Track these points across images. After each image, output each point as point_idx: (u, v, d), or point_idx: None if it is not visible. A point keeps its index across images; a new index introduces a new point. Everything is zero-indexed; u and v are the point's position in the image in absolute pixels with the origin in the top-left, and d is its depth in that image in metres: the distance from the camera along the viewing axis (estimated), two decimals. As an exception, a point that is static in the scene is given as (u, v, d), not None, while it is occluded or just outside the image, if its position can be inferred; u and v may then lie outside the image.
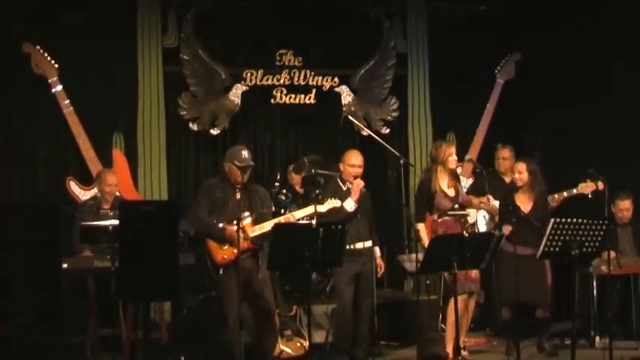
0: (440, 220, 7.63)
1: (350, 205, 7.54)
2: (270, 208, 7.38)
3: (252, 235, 6.99)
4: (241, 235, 6.80)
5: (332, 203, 7.40)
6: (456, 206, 7.63)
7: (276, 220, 7.08)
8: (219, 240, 6.96)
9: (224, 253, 6.97)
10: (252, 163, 7.18)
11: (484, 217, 8.67)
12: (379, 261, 7.91)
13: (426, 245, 7.10)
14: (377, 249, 7.90)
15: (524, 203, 7.85)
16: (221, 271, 6.96)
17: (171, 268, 5.80)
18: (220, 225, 6.94)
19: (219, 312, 7.09)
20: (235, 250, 6.88)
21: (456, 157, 7.75)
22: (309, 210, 7.34)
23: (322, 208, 7.34)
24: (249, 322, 7.31)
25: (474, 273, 7.41)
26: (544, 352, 7.92)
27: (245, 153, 7.12)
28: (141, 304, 7.02)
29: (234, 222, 6.82)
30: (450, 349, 7.45)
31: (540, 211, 7.78)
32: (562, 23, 9.85)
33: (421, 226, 7.71)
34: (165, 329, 8.11)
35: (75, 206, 8.44)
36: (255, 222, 7.06)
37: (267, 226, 6.95)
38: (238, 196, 7.13)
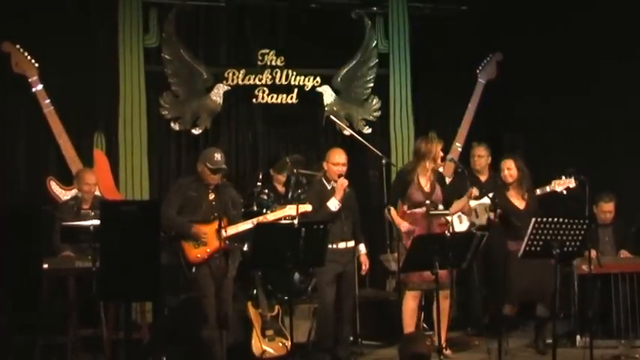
0: (409, 212, 7.67)
1: (334, 204, 7.50)
2: (240, 209, 7.45)
3: (224, 235, 7.06)
4: (215, 235, 6.95)
5: (303, 208, 7.44)
6: (428, 202, 7.63)
7: (249, 222, 7.10)
8: (185, 237, 7.02)
9: (198, 252, 7.05)
10: (224, 166, 7.26)
11: (459, 217, 8.68)
12: (363, 258, 7.87)
13: (399, 225, 7.55)
14: (362, 246, 7.87)
15: (517, 199, 7.92)
16: (194, 269, 7.01)
17: (153, 268, 5.79)
18: (189, 223, 7.01)
19: (201, 312, 7.10)
20: (209, 250, 7.03)
21: (439, 158, 7.79)
22: (282, 213, 7.41)
23: (293, 212, 7.40)
24: (232, 322, 7.32)
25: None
26: (538, 350, 7.95)
27: (218, 156, 7.19)
28: (122, 305, 7.01)
29: (210, 222, 6.98)
30: None
31: (532, 206, 7.85)
32: (543, 23, 9.89)
33: (391, 208, 7.75)
34: (147, 329, 8.09)
35: (55, 206, 8.39)
36: (229, 223, 7.13)
37: (241, 226, 7.07)
38: (211, 196, 7.23)
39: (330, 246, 7.17)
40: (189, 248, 7.03)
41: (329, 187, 7.68)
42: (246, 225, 7.10)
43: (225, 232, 7.04)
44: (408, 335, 7.64)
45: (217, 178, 7.21)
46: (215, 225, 7.08)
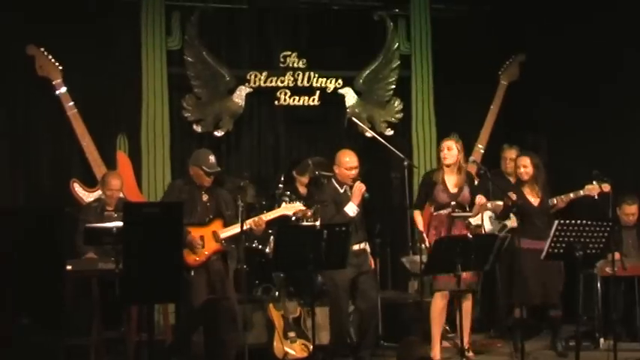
0: (435, 213, 7.63)
1: (352, 209, 7.37)
2: (234, 210, 7.37)
3: (222, 236, 7.08)
4: (212, 236, 7.01)
5: (297, 206, 7.50)
6: (453, 203, 7.56)
7: (247, 222, 7.12)
8: None
9: (195, 256, 7.03)
10: (218, 168, 7.28)
11: (490, 217, 8.64)
12: (369, 257, 7.72)
13: (420, 229, 7.52)
14: (367, 244, 7.74)
15: (532, 196, 7.91)
16: (192, 273, 7.01)
17: (176, 269, 5.81)
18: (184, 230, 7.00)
19: (224, 314, 7.12)
20: (207, 252, 7.05)
21: (446, 153, 7.65)
22: (278, 212, 7.42)
23: (289, 211, 7.42)
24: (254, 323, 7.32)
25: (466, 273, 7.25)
26: (557, 352, 7.90)
27: (212, 158, 7.21)
28: (145, 306, 7.02)
29: (206, 224, 7.05)
30: (436, 352, 7.50)
31: (545, 203, 7.86)
32: (566, 23, 9.83)
33: (416, 212, 7.70)
34: (170, 331, 8.10)
35: (79, 208, 8.43)
36: (225, 224, 7.14)
37: (237, 228, 7.04)
38: (205, 198, 7.23)
39: None
40: (187, 252, 6.95)
41: (341, 191, 7.56)
42: (237, 229, 7.06)
43: (215, 233, 7.08)
44: (406, 341, 7.63)
45: (211, 180, 7.23)
46: (211, 227, 7.11)
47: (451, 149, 7.63)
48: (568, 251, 6.56)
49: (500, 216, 8.06)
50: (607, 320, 8.19)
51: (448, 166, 7.64)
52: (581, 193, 8.07)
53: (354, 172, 7.49)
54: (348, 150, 7.74)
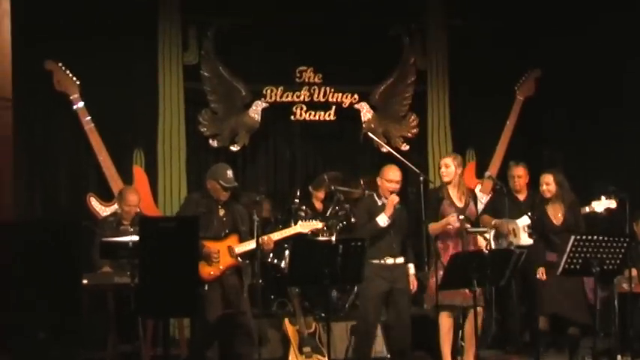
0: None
1: (383, 220, 7.42)
2: (248, 226, 7.38)
3: (237, 252, 7.09)
4: (227, 251, 7.04)
5: (314, 224, 7.54)
6: (462, 217, 7.54)
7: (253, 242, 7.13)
8: None
9: (210, 269, 7.03)
10: (236, 183, 7.30)
11: (493, 236, 8.59)
12: (411, 278, 7.68)
13: (445, 223, 7.42)
14: (412, 266, 7.71)
15: (554, 215, 7.81)
16: (206, 287, 7.01)
17: (191, 284, 5.81)
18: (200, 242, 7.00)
19: (240, 328, 7.12)
20: (222, 267, 7.06)
21: (444, 171, 7.65)
22: (290, 231, 7.48)
23: (304, 229, 7.44)
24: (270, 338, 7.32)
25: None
26: None
27: (230, 173, 7.23)
28: (160, 320, 7.03)
29: (222, 238, 7.09)
30: None
31: (573, 221, 7.73)
32: (582, 38, 9.82)
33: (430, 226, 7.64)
34: (185, 345, 8.11)
35: (95, 222, 8.47)
36: (240, 240, 7.17)
37: (252, 243, 7.06)
38: (221, 213, 7.25)
39: (377, 261, 7.29)
40: (202, 265, 6.94)
41: (379, 203, 7.60)
42: (252, 244, 7.10)
43: (231, 248, 7.10)
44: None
45: (228, 195, 7.24)
46: (227, 241, 7.13)
47: (448, 166, 7.66)
48: (585, 267, 6.54)
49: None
50: (624, 337, 8.14)
51: (447, 183, 7.66)
52: (587, 209, 8.01)
53: (395, 186, 7.58)
54: (394, 165, 7.81)
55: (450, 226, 7.45)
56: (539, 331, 7.87)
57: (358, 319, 7.79)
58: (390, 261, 7.47)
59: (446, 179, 7.65)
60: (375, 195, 7.72)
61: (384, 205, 7.54)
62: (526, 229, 8.14)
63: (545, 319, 7.87)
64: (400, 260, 7.57)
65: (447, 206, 7.58)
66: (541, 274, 7.67)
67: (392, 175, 7.61)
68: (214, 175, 7.24)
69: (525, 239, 8.12)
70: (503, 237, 8.29)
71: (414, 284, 7.72)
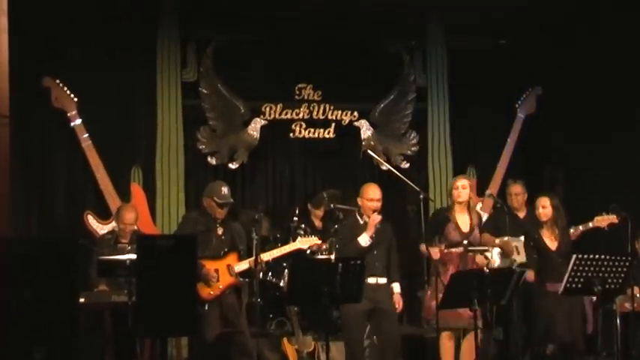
0: (446, 250, 7.59)
1: (364, 240, 7.37)
2: (245, 244, 7.39)
3: (236, 270, 7.11)
4: (226, 270, 7.05)
5: (313, 240, 7.57)
6: (465, 242, 7.54)
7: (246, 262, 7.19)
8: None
9: (210, 290, 7.04)
10: (231, 200, 7.30)
11: (499, 253, 8.59)
12: (397, 297, 7.60)
13: (430, 254, 7.40)
14: (397, 285, 7.64)
15: (550, 239, 7.78)
16: (206, 307, 7.00)
17: (190, 302, 5.81)
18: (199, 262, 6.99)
19: (238, 347, 7.10)
20: (221, 286, 7.07)
21: (461, 192, 7.67)
22: (290, 247, 7.51)
23: (303, 245, 7.45)
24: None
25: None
26: None
27: (225, 189, 7.25)
28: (158, 339, 7.02)
29: (221, 257, 7.10)
30: None
31: (564, 247, 7.72)
32: (584, 57, 9.84)
33: (423, 245, 7.63)
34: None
35: (93, 240, 8.46)
36: (239, 258, 7.19)
37: (252, 262, 7.07)
38: (220, 231, 7.26)
39: None
40: (201, 285, 6.95)
41: (361, 222, 7.55)
42: (245, 264, 7.15)
43: (230, 267, 7.11)
44: None
45: (224, 212, 7.26)
46: (226, 260, 7.15)
47: (465, 188, 7.68)
48: (586, 286, 6.53)
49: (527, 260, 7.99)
50: (627, 357, 8.11)
51: (460, 203, 7.65)
52: (591, 225, 8.03)
53: (376, 204, 7.50)
54: (373, 183, 7.80)
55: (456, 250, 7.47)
56: (546, 356, 7.84)
57: (344, 340, 7.69)
58: (372, 280, 7.34)
59: (462, 199, 7.65)
60: (357, 214, 7.66)
61: (366, 224, 7.49)
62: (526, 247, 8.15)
63: (552, 347, 7.84)
64: (383, 280, 7.49)
65: (451, 229, 7.57)
66: (529, 275, 7.62)
67: (372, 193, 7.55)
68: (210, 192, 7.27)
69: (524, 257, 8.13)
70: (507, 255, 8.29)
71: (399, 303, 7.63)
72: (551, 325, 7.63)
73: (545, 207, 7.80)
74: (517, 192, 8.85)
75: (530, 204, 8.63)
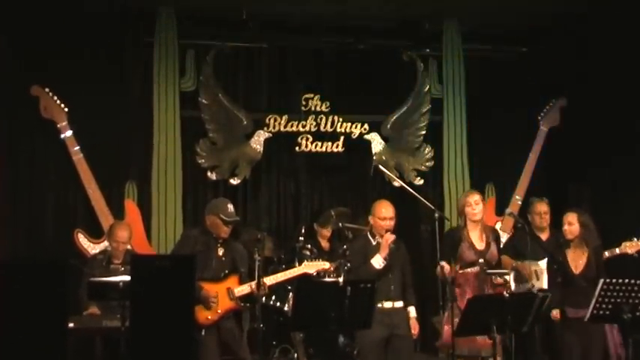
0: (461, 271, 7.57)
1: (378, 261, 7.37)
2: (247, 267, 7.39)
3: (237, 294, 7.09)
4: (226, 294, 7.03)
5: (321, 265, 7.57)
6: (481, 261, 7.52)
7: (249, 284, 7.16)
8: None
9: (208, 314, 7.01)
10: (238, 218, 7.32)
11: (513, 278, 8.56)
12: (413, 322, 7.61)
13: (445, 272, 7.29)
14: (412, 309, 7.64)
15: (576, 260, 7.72)
16: (203, 332, 6.97)
17: (187, 328, 5.79)
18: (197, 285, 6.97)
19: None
20: (220, 310, 7.04)
21: (475, 208, 7.64)
22: (295, 271, 7.47)
23: (310, 269, 7.44)
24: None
25: None
26: None
27: (231, 207, 7.25)
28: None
29: (221, 280, 7.08)
30: None
31: (594, 270, 7.63)
32: (610, 66, 9.82)
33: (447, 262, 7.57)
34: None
35: (83, 260, 8.45)
36: (240, 281, 7.18)
37: (254, 285, 7.05)
38: (220, 252, 7.25)
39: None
40: (199, 309, 6.91)
41: (374, 243, 7.55)
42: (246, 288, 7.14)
43: (231, 290, 7.09)
44: None
45: (229, 231, 7.24)
46: (226, 283, 7.12)
47: (478, 204, 7.66)
48: (615, 313, 6.49)
49: (548, 285, 7.95)
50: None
51: (475, 221, 7.63)
52: (617, 251, 7.97)
53: (389, 223, 7.51)
54: (385, 200, 7.78)
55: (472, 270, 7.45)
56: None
57: None
58: (388, 305, 7.40)
59: (477, 217, 7.62)
60: (369, 234, 7.66)
61: (378, 244, 7.49)
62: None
63: None
64: (399, 304, 7.51)
65: (465, 249, 7.55)
66: (555, 314, 7.62)
67: (385, 211, 7.55)
68: (214, 209, 7.24)
69: (544, 282, 8.09)
70: (525, 280, 8.24)
71: (415, 328, 7.64)
72: (569, 357, 7.60)
73: (572, 224, 7.73)
74: (544, 210, 8.74)
75: (555, 226, 8.60)
